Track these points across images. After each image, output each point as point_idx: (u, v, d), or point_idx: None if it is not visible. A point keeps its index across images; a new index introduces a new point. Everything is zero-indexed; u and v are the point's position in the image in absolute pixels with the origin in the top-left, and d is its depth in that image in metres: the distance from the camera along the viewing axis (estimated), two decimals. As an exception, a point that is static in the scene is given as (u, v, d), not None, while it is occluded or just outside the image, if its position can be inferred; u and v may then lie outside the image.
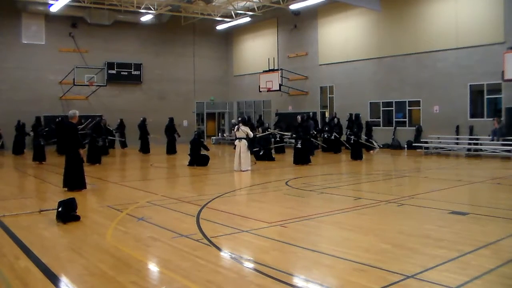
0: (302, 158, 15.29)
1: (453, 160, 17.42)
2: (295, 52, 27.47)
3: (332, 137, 20.79)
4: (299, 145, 15.33)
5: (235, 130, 14.47)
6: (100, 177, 12.93)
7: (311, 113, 23.46)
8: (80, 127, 14.81)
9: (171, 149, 21.06)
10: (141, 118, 22.62)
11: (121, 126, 25.17)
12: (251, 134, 14.31)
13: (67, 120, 10.98)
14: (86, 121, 19.05)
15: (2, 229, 6.65)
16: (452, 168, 15.22)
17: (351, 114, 20.08)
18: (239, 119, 15.96)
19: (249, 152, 14.31)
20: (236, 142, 14.31)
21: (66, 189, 10.15)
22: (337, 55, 24.86)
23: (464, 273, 4.50)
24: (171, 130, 21.33)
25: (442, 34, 20.19)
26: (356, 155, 17.11)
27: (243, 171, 13.77)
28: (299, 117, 15.97)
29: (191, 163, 15.35)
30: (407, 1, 21.65)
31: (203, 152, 15.60)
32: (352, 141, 17.58)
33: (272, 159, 17.16)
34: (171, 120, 21.55)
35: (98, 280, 4.52)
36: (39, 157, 16.88)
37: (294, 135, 15.96)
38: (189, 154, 15.59)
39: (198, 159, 15.33)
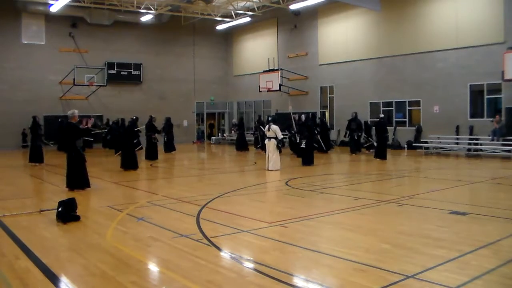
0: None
1: (453, 160, 17.41)
2: (295, 52, 27.46)
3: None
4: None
5: (265, 129, 14.47)
6: (101, 177, 12.92)
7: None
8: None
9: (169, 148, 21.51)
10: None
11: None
12: (280, 134, 14.12)
13: (66, 120, 10.97)
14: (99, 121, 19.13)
15: (2, 229, 6.65)
16: (452, 168, 15.22)
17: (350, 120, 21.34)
18: (270, 118, 15.60)
19: (278, 152, 14.11)
20: (266, 141, 14.35)
21: (68, 189, 10.14)
22: (337, 55, 24.85)
23: (464, 273, 4.50)
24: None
25: (442, 34, 20.18)
26: (381, 155, 17.07)
27: (271, 170, 13.71)
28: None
29: (123, 165, 14.57)
30: (407, 1, 21.64)
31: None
32: (376, 142, 17.58)
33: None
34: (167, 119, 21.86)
35: (98, 280, 4.52)
36: (36, 158, 16.56)
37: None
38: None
39: (128, 159, 14.53)
